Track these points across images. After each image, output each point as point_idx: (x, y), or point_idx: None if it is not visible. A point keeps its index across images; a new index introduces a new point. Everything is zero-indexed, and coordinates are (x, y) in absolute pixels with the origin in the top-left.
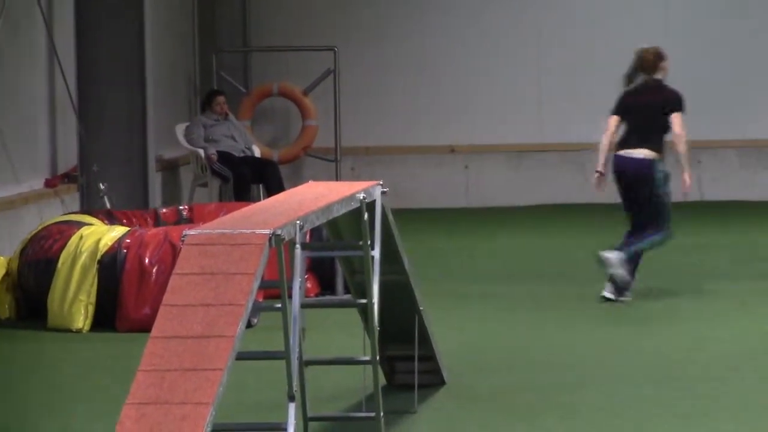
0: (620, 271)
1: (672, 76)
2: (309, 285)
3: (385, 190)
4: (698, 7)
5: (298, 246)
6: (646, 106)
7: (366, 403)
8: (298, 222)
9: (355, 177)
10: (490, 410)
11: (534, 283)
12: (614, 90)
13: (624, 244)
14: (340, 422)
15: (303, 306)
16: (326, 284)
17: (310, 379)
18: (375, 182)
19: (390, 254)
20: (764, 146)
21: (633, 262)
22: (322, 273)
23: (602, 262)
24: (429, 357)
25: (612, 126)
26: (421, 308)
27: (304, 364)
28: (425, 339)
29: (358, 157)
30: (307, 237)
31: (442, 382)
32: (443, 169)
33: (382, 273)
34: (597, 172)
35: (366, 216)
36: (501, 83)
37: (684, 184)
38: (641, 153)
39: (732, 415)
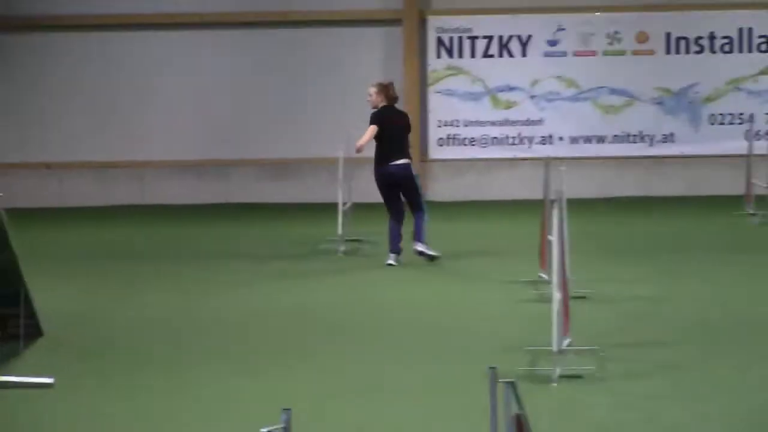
0: (427, 252)
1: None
2: None
3: None
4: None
5: None
6: (399, 127)
7: None
8: None
9: None
10: (78, 357)
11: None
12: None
13: (415, 233)
14: None
15: None
16: None
17: None
18: None
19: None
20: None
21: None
22: None
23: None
24: (32, 314)
25: (375, 131)
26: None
27: None
28: (27, 301)
29: None
30: None
31: (41, 333)
32: None
33: None
34: (359, 147)
35: None
36: None
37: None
38: (404, 161)
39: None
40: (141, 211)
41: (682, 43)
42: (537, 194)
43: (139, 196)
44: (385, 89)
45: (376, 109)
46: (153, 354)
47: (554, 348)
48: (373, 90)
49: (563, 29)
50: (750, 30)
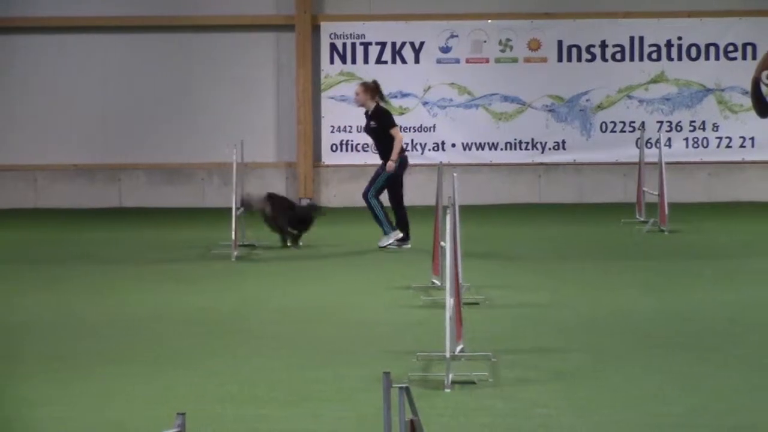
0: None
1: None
2: None
3: None
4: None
5: None
6: None
7: None
8: None
9: None
10: None
11: None
12: None
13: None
14: None
15: None
16: None
17: None
18: None
19: None
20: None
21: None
22: None
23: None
24: None
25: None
26: None
27: None
28: None
29: None
30: None
31: None
32: None
33: None
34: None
35: None
36: None
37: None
38: None
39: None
40: (33, 214)
41: (574, 50)
42: (430, 200)
43: (32, 200)
44: (374, 89)
45: (382, 110)
46: (44, 358)
47: (447, 354)
48: (359, 89)
49: (456, 36)
50: (641, 38)
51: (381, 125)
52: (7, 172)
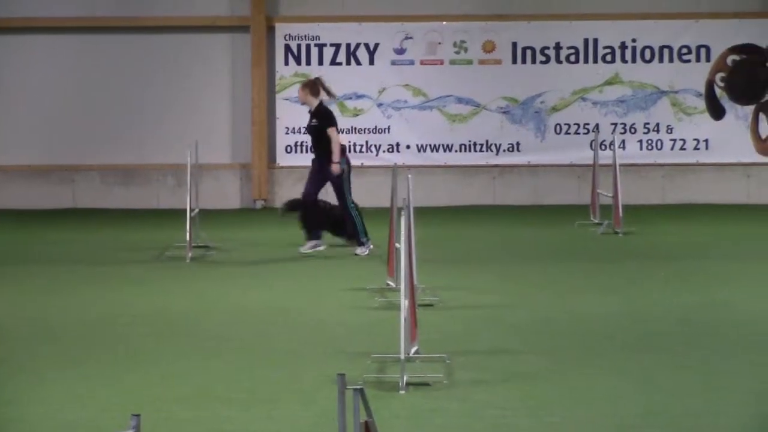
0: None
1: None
2: None
3: None
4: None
5: None
6: None
7: None
8: None
9: None
10: None
11: None
12: None
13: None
14: None
15: None
16: None
17: None
18: None
19: None
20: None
21: None
22: None
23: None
24: None
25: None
26: None
27: None
28: None
29: None
30: None
31: None
32: None
33: None
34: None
35: None
36: None
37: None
38: None
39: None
40: None
41: (528, 52)
42: (384, 202)
43: None
44: (312, 85)
45: (323, 108)
46: None
47: (402, 355)
48: (299, 87)
49: (410, 38)
50: (595, 40)
51: (321, 124)
52: None
